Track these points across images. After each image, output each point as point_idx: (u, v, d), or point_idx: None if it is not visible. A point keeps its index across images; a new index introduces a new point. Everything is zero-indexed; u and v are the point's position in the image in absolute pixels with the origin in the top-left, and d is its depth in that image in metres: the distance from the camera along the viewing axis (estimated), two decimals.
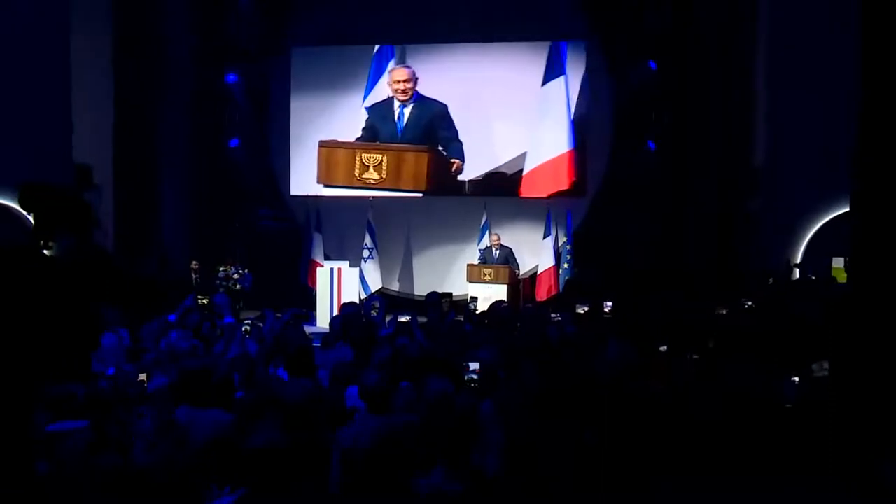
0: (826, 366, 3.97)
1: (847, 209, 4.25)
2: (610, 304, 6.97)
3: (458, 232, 11.48)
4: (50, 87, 8.92)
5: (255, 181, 12.17)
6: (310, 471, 3.22)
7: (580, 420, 3.39)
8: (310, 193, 11.35)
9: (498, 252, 10.46)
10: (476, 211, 11.04)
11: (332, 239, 11.52)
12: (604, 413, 3.40)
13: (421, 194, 11.03)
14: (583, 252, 10.81)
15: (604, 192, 11.25)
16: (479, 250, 10.84)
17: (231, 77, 11.81)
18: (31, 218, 2.58)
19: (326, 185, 11.30)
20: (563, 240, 10.87)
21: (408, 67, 11.24)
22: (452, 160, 11.17)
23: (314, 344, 6.13)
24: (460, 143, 11.22)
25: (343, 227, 11.60)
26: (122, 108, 9.99)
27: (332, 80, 11.66)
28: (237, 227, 12.21)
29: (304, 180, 11.62)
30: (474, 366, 4.35)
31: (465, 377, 4.29)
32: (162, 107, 10.79)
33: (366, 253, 11.13)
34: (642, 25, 10.94)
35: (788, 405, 3.61)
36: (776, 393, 3.67)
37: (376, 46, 11.36)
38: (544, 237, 10.85)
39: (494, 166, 11.34)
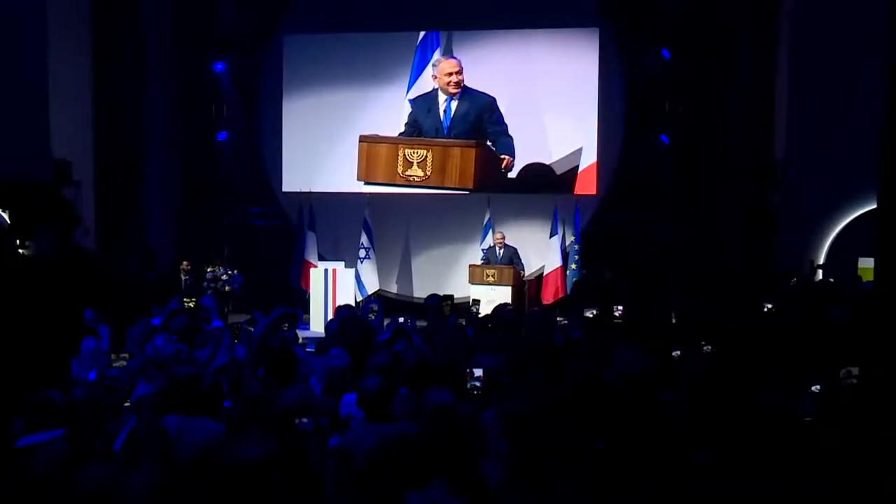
0: (855, 373, 3.96)
1: (874, 206, 4.24)
2: (621, 308, 6.97)
3: (459, 230, 11.47)
4: (25, 77, 8.89)
5: (245, 177, 12.16)
6: (303, 483, 3.22)
7: (589, 429, 3.39)
8: (303, 190, 11.34)
9: (502, 252, 10.46)
10: (478, 208, 11.03)
11: (326, 238, 11.52)
12: (614, 422, 3.40)
13: (468, 192, 10.94)
14: (592, 252, 10.79)
15: (614, 188, 11.24)
16: (482, 250, 10.84)
17: (219, 66, 11.81)
18: (6, 216, 2.58)
19: (367, 183, 11.21)
20: (570, 239, 10.86)
21: (455, 58, 11.12)
22: (502, 156, 11.09)
23: (308, 349, 6.14)
24: (510, 137, 11.13)
25: (338, 226, 11.59)
26: (102, 99, 9.98)
27: (328, 70, 11.64)
28: (226, 225, 12.21)
29: (297, 176, 11.62)
30: (477, 373, 4.36)
31: (468, 385, 4.30)
32: (145, 97, 10.78)
33: (362, 253, 11.13)
34: (656, 11, 10.93)
35: (808, 418, 3.61)
36: (795, 403, 3.67)
37: (421, 34, 11.27)
38: (551, 236, 10.85)
39: (547, 162, 11.19)
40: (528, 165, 11.16)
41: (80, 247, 2.75)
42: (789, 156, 10.24)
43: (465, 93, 11.11)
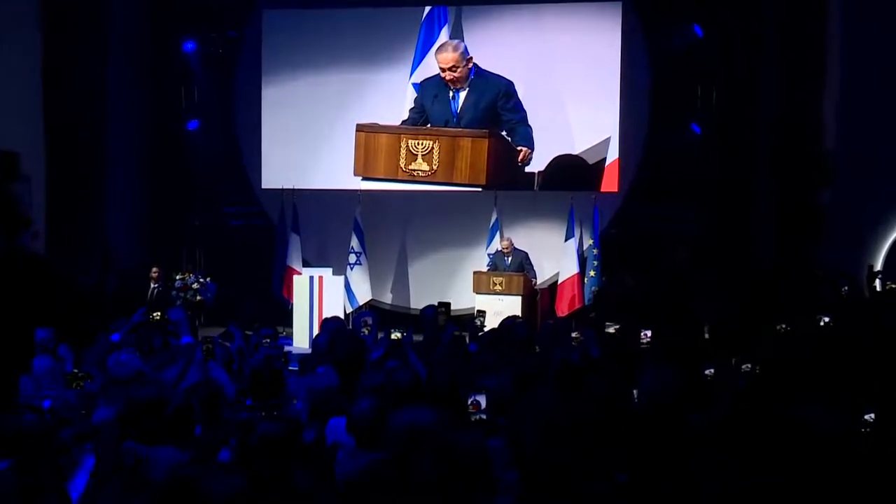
0: None
1: None
2: (648, 333, 6.92)
3: (462, 232, 11.49)
4: None
5: (220, 171, 12.19)
6: None
7: (609, 459, 3.39)
8: (285, 186, 11.35)
9: (511, 257, 10.46)
10: (485, 206, 11.04)
11: (311, 241, 11.54)
12: (638, 448, 3.40)
13: (479, 189, 10.86)
14: (612, 256, 10.81)
15: (638, 184, 11.25)
16: (489, 254, 10.84)
17: (189, 45, 11.83)
18: None
19: (365, 178, 11.12)
20: (588, 242, 10.87)
21: (456, 49, 10.96)
22: (519, 147, 11.00)
23: (291, 367, 6.15)
24: (529, 127, 11.05)
25: (325, 227, 11.62)
26: (54, 81, 9.96)
27: (314, 51, 11.65)
28: (197, 226, 12.24)
29: (279, 171, 11.63)
30: (481, 396, 4.36)
31: (472, 418, 4.30)
32: (105, 80, 10.79)
33: (352, 258, 11.14)
34: None
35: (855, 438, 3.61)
36: (844, 427, 3.67)
37: (426, 9, 11.25)
38: (566, 239, 10.85)
39: (569, 155, 11.11)
40: (546, 159, 11.10)
41: (29, 251, 2.76)
42: (841, 147, 10.22)
43: (478, 76, 11.04)
